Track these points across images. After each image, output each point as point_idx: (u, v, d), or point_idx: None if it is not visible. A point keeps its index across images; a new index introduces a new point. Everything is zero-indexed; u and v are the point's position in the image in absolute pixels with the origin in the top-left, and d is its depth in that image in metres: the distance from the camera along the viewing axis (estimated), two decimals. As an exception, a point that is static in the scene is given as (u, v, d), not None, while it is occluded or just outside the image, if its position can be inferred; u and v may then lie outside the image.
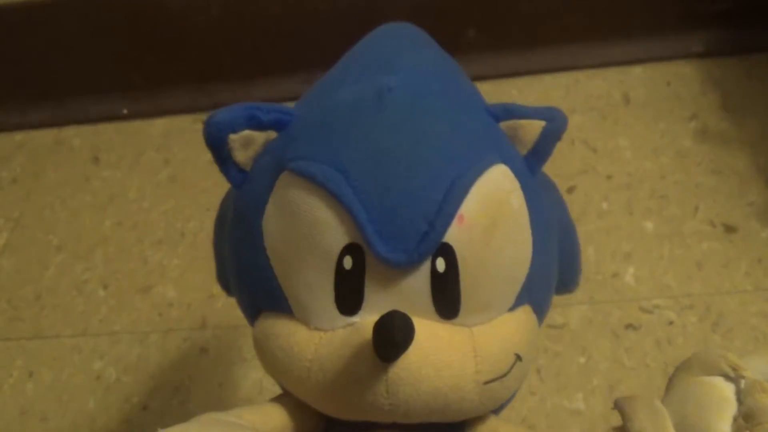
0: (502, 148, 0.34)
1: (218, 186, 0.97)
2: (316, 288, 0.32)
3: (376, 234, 0.31)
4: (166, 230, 0.88)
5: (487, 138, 0.34)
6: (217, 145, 0.35)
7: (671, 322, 0.70)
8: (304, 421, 0.35)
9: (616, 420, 0.35)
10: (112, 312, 0.81)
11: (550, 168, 0.38)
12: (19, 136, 1.06)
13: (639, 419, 0.33)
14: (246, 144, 0.35)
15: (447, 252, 0.32)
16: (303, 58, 0.98)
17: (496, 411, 0.37)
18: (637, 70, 0.96)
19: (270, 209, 0.34)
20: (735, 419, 0.31)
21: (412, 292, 0.32)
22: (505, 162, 0.34)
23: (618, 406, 0.34)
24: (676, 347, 0.68)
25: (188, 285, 0.82)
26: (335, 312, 0.32)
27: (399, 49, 0.38)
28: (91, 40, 1.01)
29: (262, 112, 0.35)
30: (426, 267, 0.32)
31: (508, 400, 0.39)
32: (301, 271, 0.33)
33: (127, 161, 0.99)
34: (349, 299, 0.32)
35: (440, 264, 0.32)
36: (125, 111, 1.05)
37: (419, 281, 0.32)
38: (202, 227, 0.87)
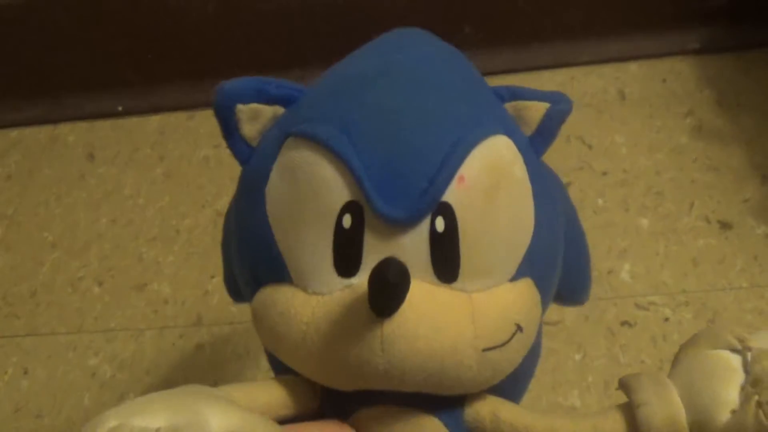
0: (507, 123, 0.35)
1: (213, 183, 0.98)
2: (315, 249, 0.32)
3: (376, 190, 0.31)
4: (161, 227, 0.88)
5: (492, 110, 0.35)
6: (224, 114, 0.34)
7: (667, 319, 0.70)
8: (295, 400, 0.34)
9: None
10: (107, 309, 0.81)
11: (545, 164, 0.38)
12: (14, 133, 1.06)
13: (643, 390, 0.32)
14: (253, 117, 0.35)
15: (446, 211, 0.31)
16: (298, 55, 0.98)
17: (503, 394, 0.36)
18: (633, 67, 0.96)
19: (273, 176, 0.34)
20: (743, 388, 0.30)
21: (410, 252, 0.31)
22: (509, 135, 0.34)
23: (622, 382, 0.34)
24: (671, 344, 0.68)
25: (183, 282, 0.82)
26: (333, 274, 0.32)
27: (407, 39, 0.39)
28: (86, 37, 1.01)
29: (271, 86, 0.35)
30: (425, 226, 0.31)
31: (519, 392, 0.38)
32: (301, 232, 0.32)
33: (122, 158, 0.98)
34: (347, 260, 0.32)
35: (439, 223, 0.31)
36: (120, 108, 1.04)
37: (418, 241, 0.31)
38: (197, 224, 0.87)
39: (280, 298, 0.33)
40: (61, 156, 1.01)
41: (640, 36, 0.97)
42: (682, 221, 0.78)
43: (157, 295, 0.81)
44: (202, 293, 0.80)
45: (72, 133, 1.04)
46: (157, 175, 0.95)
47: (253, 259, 0.35)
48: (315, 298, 0.32)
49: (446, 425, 0.34)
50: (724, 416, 0.30)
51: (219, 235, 0.44)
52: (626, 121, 0.89)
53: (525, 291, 0.34)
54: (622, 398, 0.33)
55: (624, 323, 0.70)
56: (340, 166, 0.31)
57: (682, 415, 0.31)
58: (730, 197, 0.79)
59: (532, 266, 0.34)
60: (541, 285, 0.35)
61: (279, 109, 0.35)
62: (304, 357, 0.33)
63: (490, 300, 0.32)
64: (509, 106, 0.36)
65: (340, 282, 0.32)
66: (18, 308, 0.83)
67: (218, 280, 0.80)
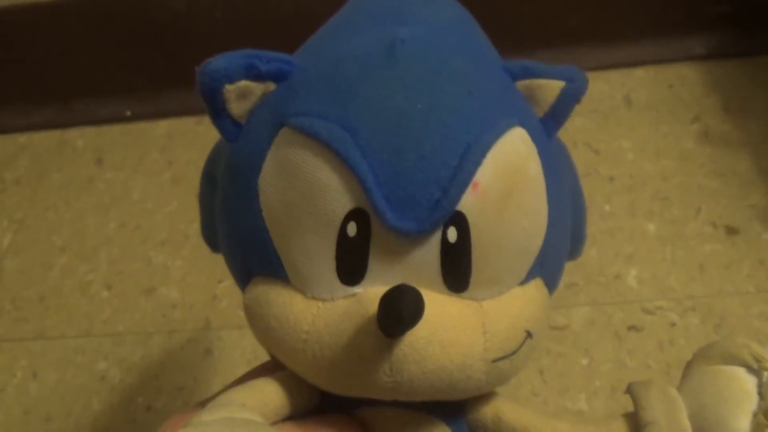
0: (520, 109, 0.32)
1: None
2: (316, 255, 0.30)
3: (385, 200, 0.28)
4: (170, 231, 0.89)
5: (505, 99, 0.32)
6: (210, 96, 0.31)
7: (673, 324, 0.70)
8: (301, 395, 0.32)
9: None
10: (116, 313, 0.81)
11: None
12: (23, 138, 1.07)
13: (652, 408, 0.31)
14: (242, 95, 0.32)
15: (459, 221, 0.29)
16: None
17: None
18: (640, 73, 0.96)
19: (267, 167, 0.31)
20: (754, 414, 0.29)
21: (420, 262, 0.30)
22: (523, 125, 0.31)
23: (630, 391, 0.33)
24: (678, 349, 0.68)
25: (192, 286, 0.82)
26: (336, 281, 0.30)
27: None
28: (95, 42, 1.01)
29: (261, 62, 0.31)
30: (436, 237, 0.29)
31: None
32: (300, 235, 0.30)
33: (131, 163, 0.99)
34: (351, 268, 0.30)
35: (452, 234, 0.29)
36: (129, 113, 1.05)
37: (428, 251, 0.29)
38: (205, 229, 0.88)
39: (277, 299, 0.31)
40: (69, 161, 1.02)
41: (647, 42, 0.97)
42: (688, 226, 0.78)
43: (165, 299, 0.82)
44: (211, 297, 0.80)
45: (81, 137, 1.05)
46: (165, 180, 0.95)
47: (245, 251, 0.33)
48: (315, 304, 0.30)
49: (449, 425, 0.33)
50: None
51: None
52: (633, 127, 0.90)
53: (535, 294, 0.33)
54: (629, 402, 0.33)
55: (631, 328, 0.70)
56: (345, 171, 0.29)
57: None
58: (736, 202, 0.79)
59: (542, 266, 0.33)
60: (550, 280, 0.34)
61: (270, 85, 0.32)
62: (305, 365, 0.31)
63: (500, 308, 0.31)
64: (521, 84, 0.33)
65: (342, 289, 0.30)
66: (27, 312, 0.83)
67: (226, 285, 0.80)
